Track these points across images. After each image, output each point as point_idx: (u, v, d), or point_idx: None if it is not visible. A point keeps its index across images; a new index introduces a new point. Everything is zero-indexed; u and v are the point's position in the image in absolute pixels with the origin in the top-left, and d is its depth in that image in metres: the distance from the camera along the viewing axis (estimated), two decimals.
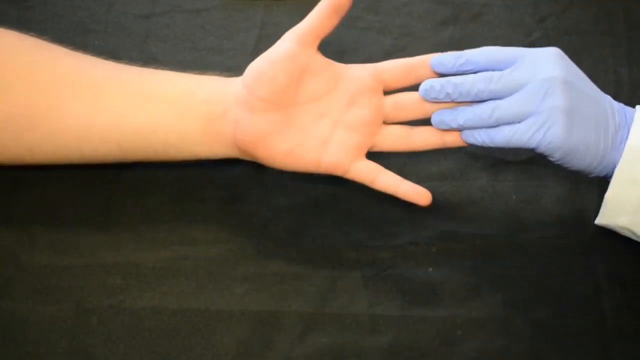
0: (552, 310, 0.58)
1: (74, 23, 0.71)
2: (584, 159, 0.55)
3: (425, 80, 0.57)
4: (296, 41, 0.57)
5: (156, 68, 0.63)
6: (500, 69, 0.57)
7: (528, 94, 0.55)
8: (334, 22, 0.57)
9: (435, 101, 0.57)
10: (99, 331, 0.56)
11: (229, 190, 0.62)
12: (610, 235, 0.62)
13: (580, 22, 0.74)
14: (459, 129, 0.57)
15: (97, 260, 0.59)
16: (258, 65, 0.57)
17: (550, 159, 0.56)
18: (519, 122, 0.55)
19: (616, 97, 0.66)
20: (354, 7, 0.74)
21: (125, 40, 0.70)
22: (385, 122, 0.59)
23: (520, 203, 0.63)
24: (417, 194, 0.57)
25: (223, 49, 0.71)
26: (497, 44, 0.72)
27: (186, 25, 0.72)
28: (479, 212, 0.63)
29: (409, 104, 0.59)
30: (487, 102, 0.56)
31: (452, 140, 0.59)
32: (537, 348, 0.57)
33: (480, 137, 0.57)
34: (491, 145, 0.57)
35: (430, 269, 0.60)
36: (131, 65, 0.60)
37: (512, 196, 0.64)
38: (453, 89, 0.56)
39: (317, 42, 0.57)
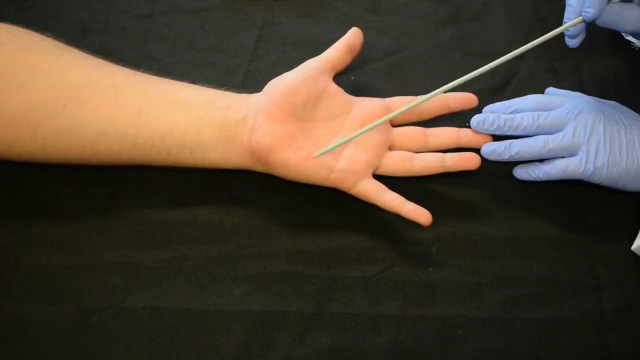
0: (552, 310, 0.58)
1: (74, 23, 0.71)
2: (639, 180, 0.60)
3: (478, 115, 0.63)
4: (316, 67, 0.61)
5: (156, 68, 0.64)
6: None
7: (574, 130, 0.60)
8: (348, 58, 0.63)
9: (486, 132, 0.63)
10: (99, 331, 0.56)
11: (229, 190, 0.62)
12: (610, 235, 0.62)
13: None
14: (510, 160, 0.62)
15: (97, 260, 0.59)
16: (281, 79, 0.60)
17: (608, 185, 0.61)
18: (568, 155, 0.61)
19: (616, 97, 0.66)
20: (354, 7, 0.74)
21: (125, 40, 0.70)
22: (391, 149, 0.62)
23: (520, 203, 0.63)
24: (419, 214, 0.58)
25: (223, 49, 0.71)
26: (497, 44, 0.73)
27: (186, 25, 0.72)
28: (479, 212, 0.63)
29: (414, 135, 0.63)
30: (538, 136, 0.61)
31: (452, 164, 0.61)
32: (537, 348, 0.57)
33: (534, 173, 0.62)
34: (544, 179, 0.62)
35: (430, 269, 0.60)
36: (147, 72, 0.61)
37: (512, 196, 0.64)
38: (504, 122, 0.62)
39: (334, 72, 0.62)
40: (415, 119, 0.63)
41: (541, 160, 0.62)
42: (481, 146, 0.62)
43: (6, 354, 0.55)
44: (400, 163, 0.61)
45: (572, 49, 0.63)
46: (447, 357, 0.56)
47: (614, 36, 0.73)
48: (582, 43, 0.73)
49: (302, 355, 0.56)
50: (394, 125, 0.63)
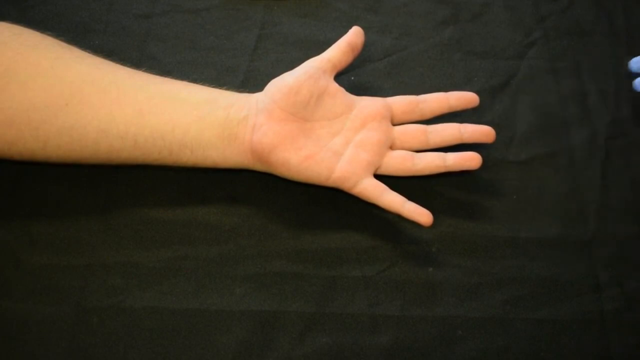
0: (552, 310, 0.58)
1: (74, 23, 0.71)
2: None
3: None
4: (318, 66, 0.61)
5: (156, 68, 0.64)
6: None
7: None
8: (349, 57, 0.63)
9: None
10: (99, 331, 0.56)
11: (229, 190, 0.62)
12: (610, 235, 0.62)
13: (580, 22, 0.74)
14: None
15: (97, 260, 0.59)
16: (282, 79, 0.60)
17: None
18: None
19: (616, 97, 0.66)
20: (354, 7, 0.74)
21: (125, 40, 0.70)
22: (392, 148, 0.62)
23: (520, 203, 0.63)
24: (420, 214, 0.58)
25: (223, 49, 0.71)
26: (497, 44, 0.73)
27: (186, 25, 0.72)
28: (479, 212, 0.63)
29: (415, 133, 0.62)
30: None
31: (454, 164, 0.61)
32: (537, 348, 0.57)
33: None
34: None
35: (430, 269, 0.60)
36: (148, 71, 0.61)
37: (512, 196, 0.64)
38: None
39: (335, 72, 0.62)
40: (416, 118, 0.63)
41: None
42: (482, 142, 0.62)
43: (6, 354, 0.55)
44: (401, 163, 0.61)
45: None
46: (447, 357, 0.56)
47: (614, 37, 0.73)
48: (582, 43, 0.73)
49: (302, 355, 0.56)
50: (395, 124, 0.63)
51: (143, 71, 0.61)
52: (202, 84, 0.62)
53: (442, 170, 0.61)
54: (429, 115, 0.63)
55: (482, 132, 0.62)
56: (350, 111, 0.61)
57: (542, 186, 0.64)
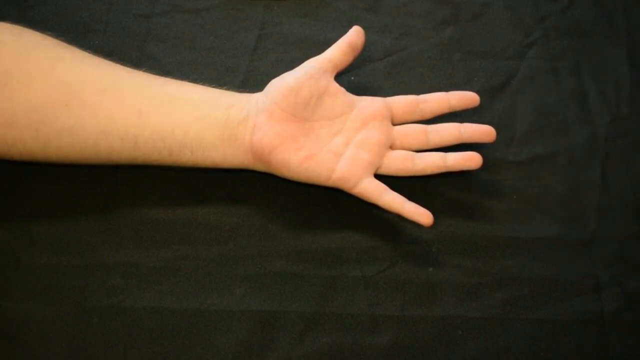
0: (552, 310, 0.58)
1: (74, 23, 0.71)
2: None
3: None
4: (318, 66, 0.61)
5: (156, 68, 0.64)
6: None
7: None
8: (349, 57, 0.63)
9: None
10: (99, 331, 0.56)
11: (229, 190, 0.62)
12: (610, 235, 0.62)
13: (580, 22, 0.74)
14: None
15: (97, 260, 0.59)
16: (282, 79, 0.60)
17: None
18: None
19: (616, 97, 0.66)
20: (354, 7, 0.74)
21: (125, 40, 0.70)
22: (392, 148, 0.62)
23: (520, 203, 0.63)
24: (420, 214, 0.58)
25: (223, 49, 0.71)
26: (497, 44, 0.73)
27: (186, 25, 0.72)
28: (479, 212, 0.63)
29: (415, 133, 0.62)
30: None
31: (454, 164, 0.60)
32: (537, 348, 0.57)
33: None
34: None
35: (430, 269, 0.60)
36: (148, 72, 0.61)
37: (512, 196, 0.64)
38: None
39: (336, 72, 0.62)
40: (417, 118, 0.63)
41: None
42: (483, 142, 0.62)
43: (6, 354, 0.55)
44: (402, 163, 0.61)
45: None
46: (447, 357, 0.56)
47: (614, 37, 0.73)
48: (582, 43, 0.73)
49: (302, 355, 0.56)
50: (395, 124, 0.63)
51: (143, 71, 0.61)
52: (202, 84, 0.62)
53: (443, 170, 0.61)
54: (429, 115, 0.63)
55: (482, 131, 0.62)
56: (351, 111, 0.61)
57: (542, 186, 0.64)
